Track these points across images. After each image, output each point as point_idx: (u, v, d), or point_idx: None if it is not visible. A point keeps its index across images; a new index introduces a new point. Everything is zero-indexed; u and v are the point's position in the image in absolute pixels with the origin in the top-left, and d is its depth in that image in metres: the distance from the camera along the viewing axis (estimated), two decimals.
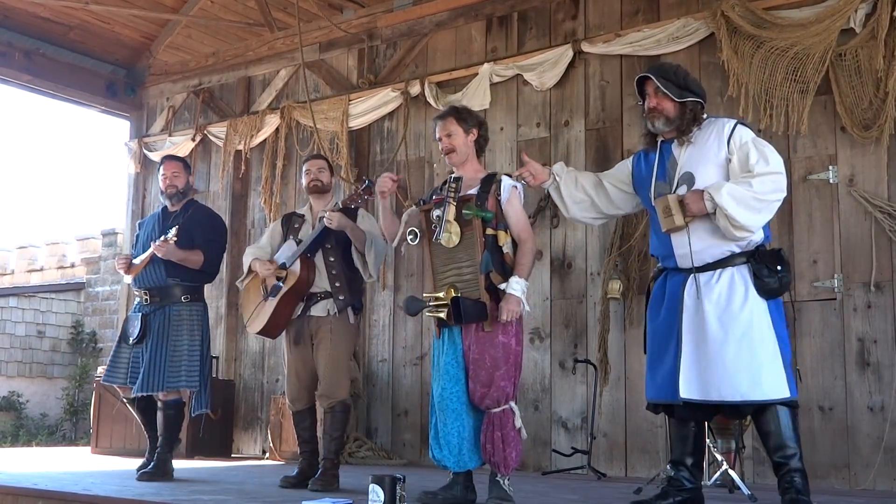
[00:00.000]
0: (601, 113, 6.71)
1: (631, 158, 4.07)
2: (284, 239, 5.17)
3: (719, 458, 4.90)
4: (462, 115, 4.19)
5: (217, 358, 8.25)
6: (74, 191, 38.51)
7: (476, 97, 7.07)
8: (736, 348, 3.52)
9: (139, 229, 5.62)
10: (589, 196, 4.06)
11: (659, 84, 3.76)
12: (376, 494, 3.48)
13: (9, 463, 6.34)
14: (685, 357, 3.59)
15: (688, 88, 3.77)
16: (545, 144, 6.91)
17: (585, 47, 6.69)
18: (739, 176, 3.63)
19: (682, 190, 3.72)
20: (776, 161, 3.64)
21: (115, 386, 5.50)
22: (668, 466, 3.89)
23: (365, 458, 7.05)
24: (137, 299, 5.42)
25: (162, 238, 5.11)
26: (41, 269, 13.64)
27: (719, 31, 6.02)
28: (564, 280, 6.69)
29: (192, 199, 5.54)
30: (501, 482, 3.96)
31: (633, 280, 6.30)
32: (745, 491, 4.56)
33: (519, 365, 4.03)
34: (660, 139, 3.86)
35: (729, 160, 3.68)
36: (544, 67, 6.85)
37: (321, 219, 4.92)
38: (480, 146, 4.25)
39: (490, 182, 4.07)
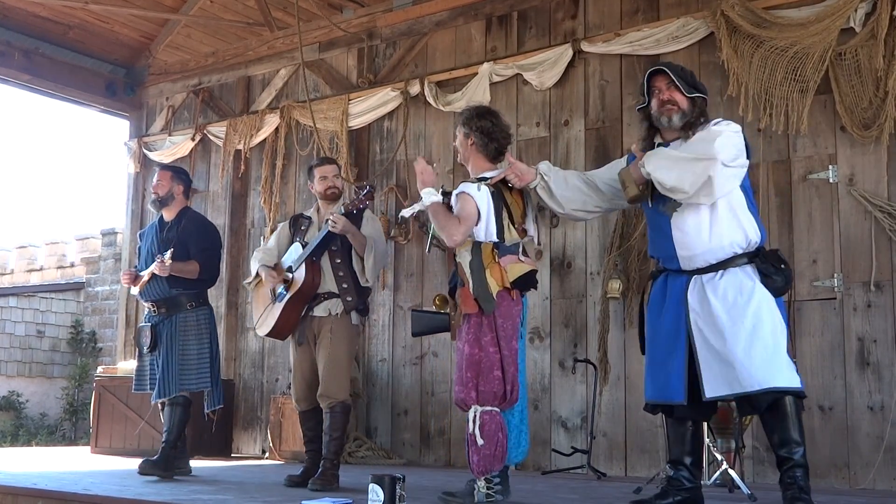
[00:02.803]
0: (601, 112, 6.71)
1: (626, 157, 4.05)
2: (291, 241, 5.21)
3: (719, 457, 4.90)
4: (464, 120, 4.22)
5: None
6: (74, 190, 38.54)
7: (476, 97, 7.06)
8: (748, 340, 3.52)
9: (140, 241, 5.82)
10: (582, 193, 4.04)
11: (673, 77, 3.76)
12: (376, 494, 3.48)
13: (8, 463, 6.34)
14: (702, 358, 3.59)
15: (695, 86, 3.79)
16: (545, 144, 6.91)
17: (585, 47, 6.69)
18: None
19: None
20: (716, 130, 3.63)
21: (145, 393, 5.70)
22: (667, 466, 3.89)
23: (365, 458, 7.05)
24: (147, 310, 5.63)
25: (159, 260, 5.33)
26: (41, 269, 13.65)
27: (719, 31, 6.02)
28: (564, 279, 6.69)
29: (187, 206, 5.72)
30: (473, 484, 3.94)
31: (632, 279, 6.30)
32: (745, 490, 4.55)
33: (479, 369, 3.88)
34: (657, 141, 3.86)
35: None
36: (544, 67, 6.85)
37: (326, 222, 4.95)
38: (487, 150, 4.16)
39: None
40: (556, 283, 6.70)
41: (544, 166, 4.11)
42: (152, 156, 9.13)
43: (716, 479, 4.88)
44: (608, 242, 6.44)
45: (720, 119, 3.82)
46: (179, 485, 4.92)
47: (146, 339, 5.48)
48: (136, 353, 5.70)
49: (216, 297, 8.51)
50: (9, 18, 8.45)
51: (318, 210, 5.27)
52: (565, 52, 6.76)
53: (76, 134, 43.17)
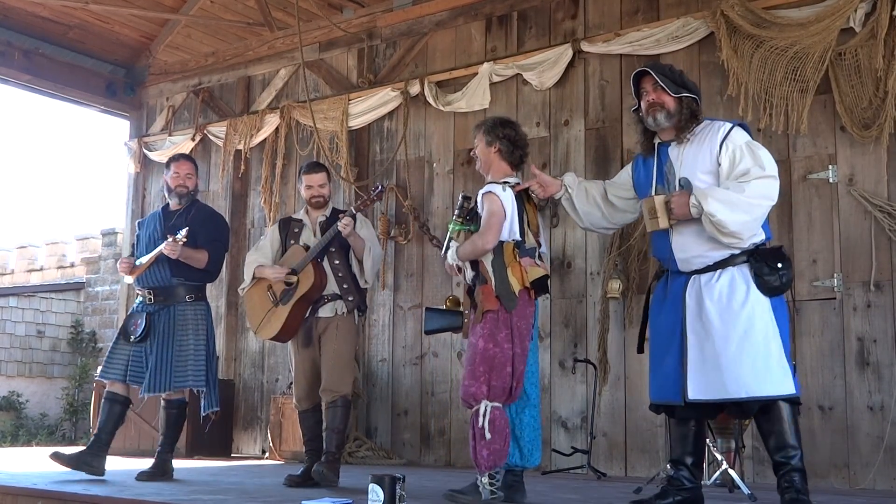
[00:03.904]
0: (601, 112, 6.71)
1: (630, 164, 4.07)
2: (283, 243, 5.20)
3: (719, 457, 4.89)
4: (487, 129, 4.27)
5: (217, 358, 8.24)
6: (74, 191, 38.53)
7: (476, 97, 7.08)
8: (738, 345, 3.51)
9: (139, 229, 5.57)
10: (600, 208, 4.07)
11: (657, 78, 3.75)
12: (376, 494, 3.48)
13: (8, 463, 6.34)
14: (691, 358, 3.59)
15: (683, 85, 3.78)
16: (545, 144, 6.91)
17: (585, 47, 6.69)
18: (731, 177, 3.62)
19: None
20: (771, 166, 3.61)
21: (109, 382, 5.37)
22: (667, 466, 3.89)
23: (365, 458, 7.05)
24: (139, 298, 5.40)
25: (171, 238, 5.08)
26: (41, 269, 13.64)
27: (719, 31, 6.02)
28: (564, 279, 6.69)
29: (195, 198, 5.54)
30: (477, 480, 3.97)
31: (632, 279, 6.30)
32: (745, 490, 4.55)
33: (493, 364, 3.94)
34: (657, 142, 3.85)
35: (719, 162, 3.66)
36: (544, 67, 6.85)
37: (334, 224, 4.96)
38: (509, 159, 4.23)
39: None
40: (556, 283, 6.70)
41: (570, 178, 4.13)
42: (152, 156, 9.13)
43: (716, 479, 4.88)
44: (608, 242, 6.44)
45: (731, 123, 3.77)
46: (179, 485, 4.92)
47: (138, 328, 5.19)
48: (115, 339, 5.36)
49: (216, 297, 8.53)
50: (9, 18, 8.45)
51: (307, 211, 5.26)
52: (565, 52, 6.76)
53: (76, 134, 43.18)
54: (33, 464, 6.34)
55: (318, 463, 4.84)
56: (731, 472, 4.78)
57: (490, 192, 4.08)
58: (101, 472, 5.12)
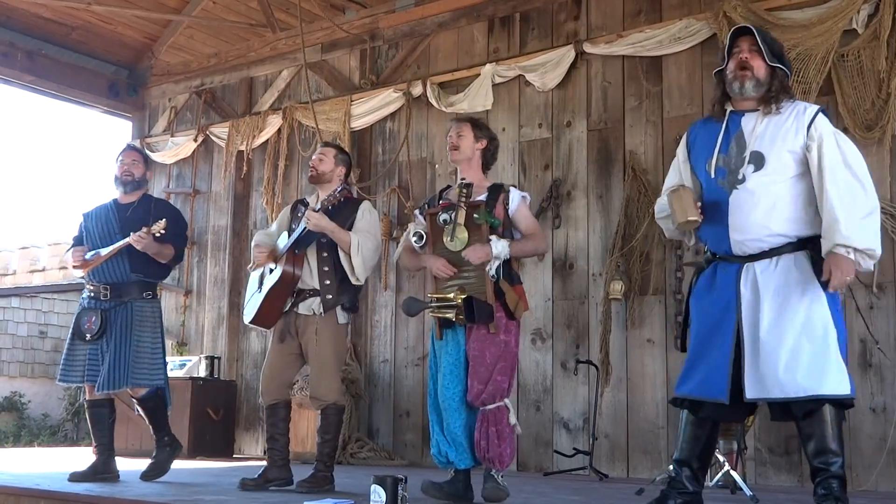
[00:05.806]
0: (603, 114, 6.70)
1: (684, 137, 3.72)
2: (290, 226, 4.99)
3: (721, 458, 4.89)
4: (477, 124, 4.39)
5: (219, 358, 8.26)
6: (77, 191, 38.52)
7: (478, 98, 7.08)
8: (796, 340, 3.27)
9: (86, 221, 5.28)
10: None
11: (758, 39, 3.47)
12: (378, 495, 3.48)
13: (11, 463, 6.35)
14: (749, 354, 3.33)
15: (780, 59, 3.51)
16: (547, 145, 6.91)
17: (587, 48, 6.69)
18: (818, 172, 3.37)
19: (749, 170, 3.39)
20: (861, 168, 3.48)
21: (73, 385, 5.32)
22: (671, 466, 3.72)
23: (366, 459, 7.05)
24: (88, 293, 5.13)
25: (146, 229, 4.88)
26: (43, 270, 13.65)
27: (721, 32, 6.01)
28: (566, 281, 6.69)
29: (147, 192, 5.38)
30: (496, 476, 4.02)
31: (634, 281, 6.30)
32: (747, 492, 4.54)
33: (515, 365, 4.18)
34: (728, 108, 3.55)
35: (808, 148, 3.38)
36: (546, 68, 6.85)
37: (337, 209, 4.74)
38: (486, 160, 4.38)
39: (498, 191, 4.23)
40: (558, 284, 6.70)
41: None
42: (155, 157, 9.11)
43: (718, 481, 4.88)
44: (610, 244, 6.44)
45: (816, 106, 3.49)
46: (181, 485, 4.92)
47: (93, 325, 4.96)
48: (70, 341, 5.10)
49: (218, 297, 8.55)
50: (12, 19, 8.46)
51: (318, 197, 4.99)
52: (568, 54, 6.76)
53: (79, 135, 43.20)
54: (36, 464, 6.35)
55: (301, 482, 4.65)
56: (733, 473, 4.77)
57: (524, 196, 4.29)
58: (117, 475, 5.10)
